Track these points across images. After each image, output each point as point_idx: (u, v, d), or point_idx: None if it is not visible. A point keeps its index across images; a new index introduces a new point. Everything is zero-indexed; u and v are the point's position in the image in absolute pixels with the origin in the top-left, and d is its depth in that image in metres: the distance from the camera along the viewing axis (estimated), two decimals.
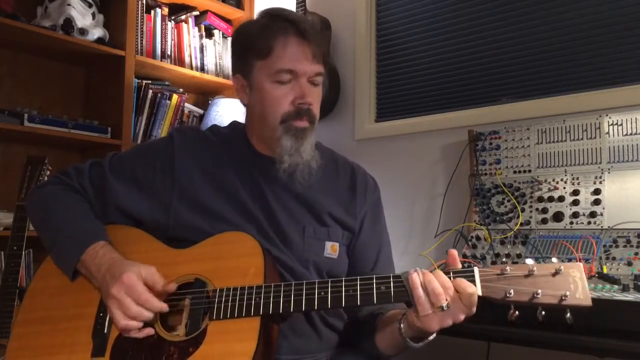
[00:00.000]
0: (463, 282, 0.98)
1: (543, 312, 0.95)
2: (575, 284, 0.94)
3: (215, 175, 1.27)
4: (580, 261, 1.56)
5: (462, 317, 0.98)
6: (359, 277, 1.05)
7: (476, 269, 0.99)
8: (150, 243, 1.24)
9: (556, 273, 0.95)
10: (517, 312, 0.96)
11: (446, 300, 0.97)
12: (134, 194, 1.27)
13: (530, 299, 0.94)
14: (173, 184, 1.26)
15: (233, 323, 1.07)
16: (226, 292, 1.09)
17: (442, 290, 0.97)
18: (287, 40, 1.21)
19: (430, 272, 1.00)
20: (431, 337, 1.06)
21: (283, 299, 1.06)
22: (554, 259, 0.99)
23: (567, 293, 0.93)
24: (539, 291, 0.94)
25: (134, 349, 1.10)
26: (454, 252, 1.05)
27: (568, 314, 0.94)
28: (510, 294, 0.95)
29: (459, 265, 1.03)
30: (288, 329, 1.16)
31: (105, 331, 1.14)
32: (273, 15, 1.25)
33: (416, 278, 0.99)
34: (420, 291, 0.98)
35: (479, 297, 0.98)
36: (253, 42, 1.24)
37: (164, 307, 1.09)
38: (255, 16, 1.30)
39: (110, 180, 1.28)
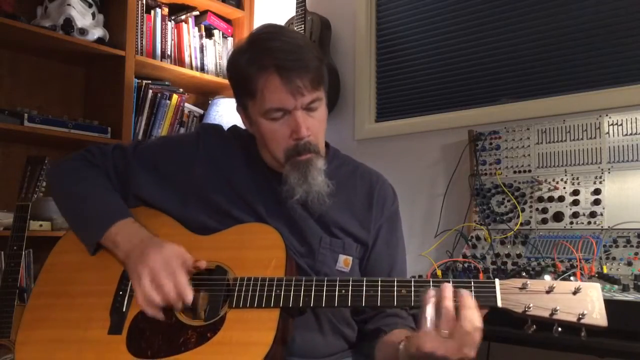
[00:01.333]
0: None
1: (560, 329, 0.95)
2: (592, 304, 0.95)
3: (233, 179, 1.27)
4: (580, 261, 1.56)
5: (454, 358, 0.93)
6: (380, 278, 1.06)
7: (497, 281, 1.00)
8: (173, 227, 1.25)
9: (576, 292, 0.96)
10: (534, 327, 0.97)
11: (447, 332, 0.93)
12: (154, 184, 1.28)
13: (549, 315, 0.95)
14: (193, 180, 1.27)
15: (252, 312, 1.08)
16: (247, 281, 1.10)
17: (452, 319, 0.93)
18: (268, 79, 1.13)
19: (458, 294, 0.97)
20: None
21: (304, 293, 1.07)
22: (572, 277, 1.00)
23: (585, 312, 0.94)
24: (558, 308, 0.95)
25: (151, 329, 1.11)
26: None
27: (583, 332, 0.94)
28: (530, 308, 0.96)
29: None
30: (296, 333, 1.16)
31: (124, 309, 1.14)
32: (255, 47, 1.17)
33: (430, 296, 0.96)
34: (431, 310, 0.96)
35: (498, 308, 0.98)
36: (240, 82, 1.20)
37: (189, 294, 1.08)
38: (246, 37, 1.23)
39: (134, 168, 1.29)
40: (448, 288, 0.97)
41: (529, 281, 0.99)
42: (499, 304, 0.98)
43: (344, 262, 1.26)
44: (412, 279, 1.04)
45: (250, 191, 1.26)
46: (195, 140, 1.32)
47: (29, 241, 1.88)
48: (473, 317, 0.94)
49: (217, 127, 1.38)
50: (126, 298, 1.16)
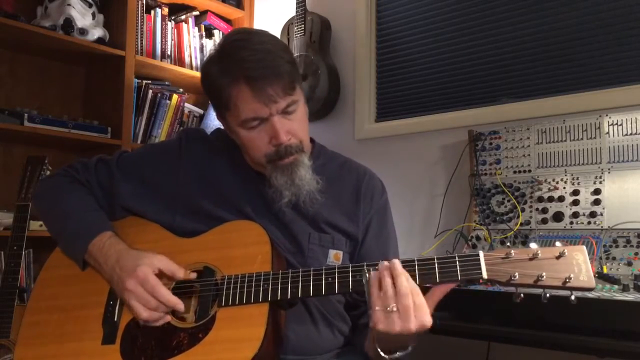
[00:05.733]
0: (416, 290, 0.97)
1: (547, 295, 0.96)
2: (579, 267, 0.95)
3: (218, 182, 1.28)
4: None
5: (411, 327, 0.95)
6: (365, 263, 1.06)
7: (481, 253, 1.00)
8: (158, 232, 1.25)
9: (560, 256, 0.96)
10: (522, 295, 0.97)
11: (394, 305, 0.95)
12: (140, 194, 1.29)
13: (535, 282, 0.96)
14: (178, 187, 1.27)
15: (242, 309, 1.09)
16: (234, 279, 1.11)
17: (392, 294, 0.96)
18: (240, 90, 1.13)
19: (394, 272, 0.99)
20: (399, 354, 1.03)
21: (291, 285, 1.07)
22: (558, 243, 1.00)
23: (571, 275, 0.94)
24: (544, 274, 0.95)
25: (144, 336, 1.12)
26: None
27: (572, 296, 0.95)
28: (515, 277, 0.97)
29: None
30: (290, 330, 1.17)
31: (115, 319, 1.15)
32: (224, 57, 1.16)
33: (374, 275, 0.99)
34: (374, 289, 0.98)
35: (484, 280, 0.99)
36: (214, 94, 1.20)
37: (178, 303, 1.10)
38: (218, 43, 1.23)
39: (118, 180, 1.29)
40: (384, 265, 1.00)
41: (512, 250, 0.99)
42: (484, 275, 0.99)
43: (334, 256, 1.26)
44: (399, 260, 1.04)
45: (237, 194, 1.26)
46: (178, 146, 1.31)
47: (29, 241, 1.88)
48: (406, 282, 0.96)
49: (200, 131, 1.38)
50: (117, 308, 1.16)
